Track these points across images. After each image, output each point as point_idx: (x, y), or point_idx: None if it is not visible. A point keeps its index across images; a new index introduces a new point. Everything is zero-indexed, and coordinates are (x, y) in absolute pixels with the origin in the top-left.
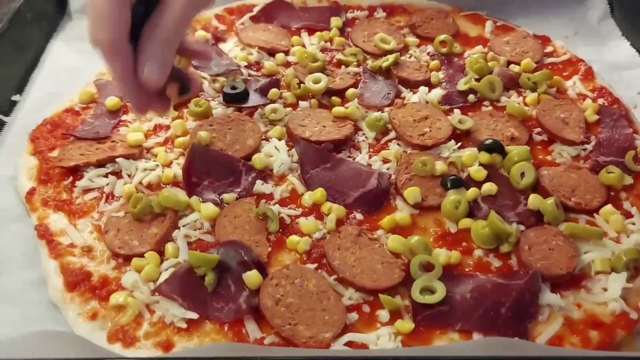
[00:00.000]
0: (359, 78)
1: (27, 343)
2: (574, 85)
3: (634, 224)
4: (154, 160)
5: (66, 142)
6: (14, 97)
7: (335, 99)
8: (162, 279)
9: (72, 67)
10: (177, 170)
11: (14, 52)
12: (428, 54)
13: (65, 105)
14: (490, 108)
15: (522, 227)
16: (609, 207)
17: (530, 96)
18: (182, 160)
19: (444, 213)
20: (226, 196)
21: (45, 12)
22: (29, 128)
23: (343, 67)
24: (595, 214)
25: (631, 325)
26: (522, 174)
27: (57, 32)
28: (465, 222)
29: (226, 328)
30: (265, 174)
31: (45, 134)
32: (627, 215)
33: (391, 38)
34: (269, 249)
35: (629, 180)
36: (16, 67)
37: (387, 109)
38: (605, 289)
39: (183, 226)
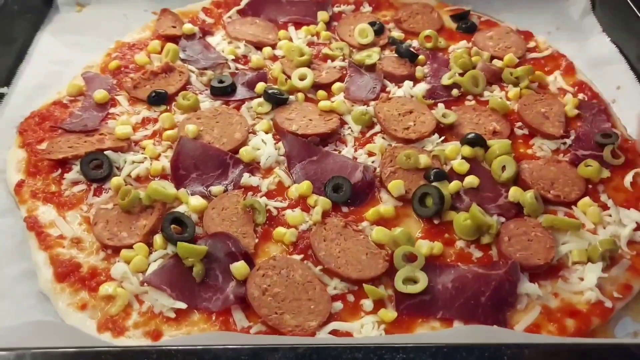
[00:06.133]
0: (345, 72)
1: (19, 333)
2: (555, 80)
3: (610, 215)
4: (142, 153)
5: (54, 134)
6: (1, 90)
7: (321, 92)
8: (150, 269)
9: (59, 60)
10: (165, 163)
11: (1, 44)
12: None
13: (53, 97)
14: (473, 102)
15: (502, 219)
16: (586, 199)
17: (513, 91)
18: (170, 153)
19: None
20: (214, 188)
21: (32, 4)
22: (16, 121)
23: (329, 61)
24: (573, 206)
25: (606, 313)
26: (503, 167)
27: (44, 25)
28: (448, 214)
29: (214, 317)
30: (252, 166)
31: (33, 126)
32: (604, 207)
33: (370, 30)
34: (256, 241)
35: (606, 173)
36: (3, 59)
37: (372, 102)
38: (581, 279)
39: None
